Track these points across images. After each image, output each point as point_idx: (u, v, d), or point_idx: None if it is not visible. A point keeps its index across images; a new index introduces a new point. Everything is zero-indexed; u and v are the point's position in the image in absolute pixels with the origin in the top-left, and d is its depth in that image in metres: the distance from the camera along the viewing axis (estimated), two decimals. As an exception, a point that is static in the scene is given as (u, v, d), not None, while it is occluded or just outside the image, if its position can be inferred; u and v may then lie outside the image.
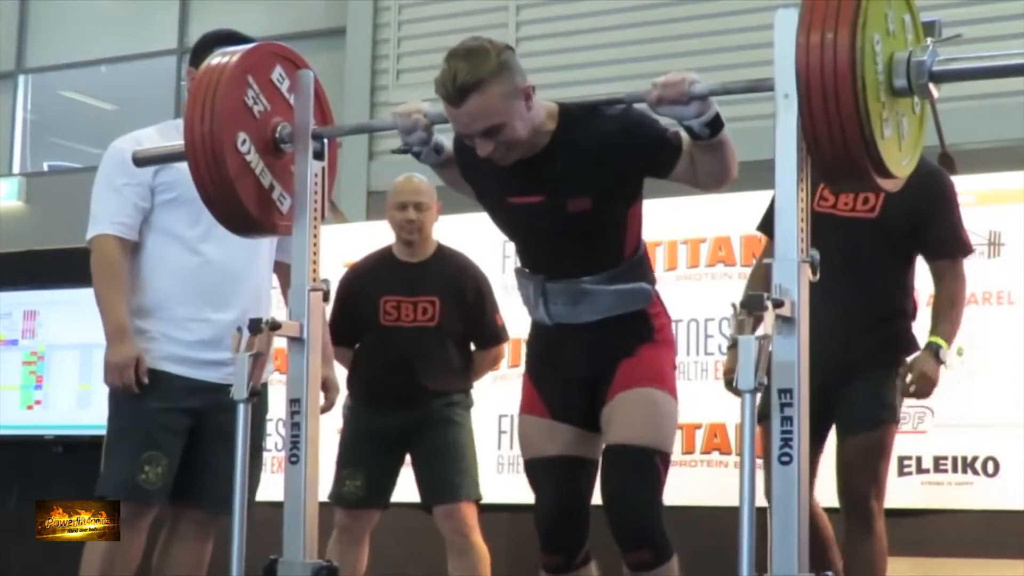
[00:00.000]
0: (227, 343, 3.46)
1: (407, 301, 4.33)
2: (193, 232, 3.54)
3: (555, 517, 2.90)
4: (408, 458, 4.42)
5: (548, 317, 2.90)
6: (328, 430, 5.25)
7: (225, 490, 3.47)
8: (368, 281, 4.39)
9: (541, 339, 3.00)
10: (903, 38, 2.53)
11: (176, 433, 3.50)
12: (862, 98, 2.35)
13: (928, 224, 3.57)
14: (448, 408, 4.32)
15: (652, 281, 2.94)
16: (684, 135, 2.74)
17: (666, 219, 4.99)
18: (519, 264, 3.00)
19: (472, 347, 4.47)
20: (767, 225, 3.78)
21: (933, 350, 3.60)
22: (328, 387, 3.72)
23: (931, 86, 2.48)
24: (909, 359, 3.63)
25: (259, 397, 3.32)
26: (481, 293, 4.43)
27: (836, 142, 2.39)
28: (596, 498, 2.91)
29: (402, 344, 4.30)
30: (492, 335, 4.47)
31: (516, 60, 2.72)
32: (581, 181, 2.77)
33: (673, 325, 3.87)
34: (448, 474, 4.25)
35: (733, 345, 3.68)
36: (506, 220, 2.94)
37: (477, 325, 4.41)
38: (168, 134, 3.57)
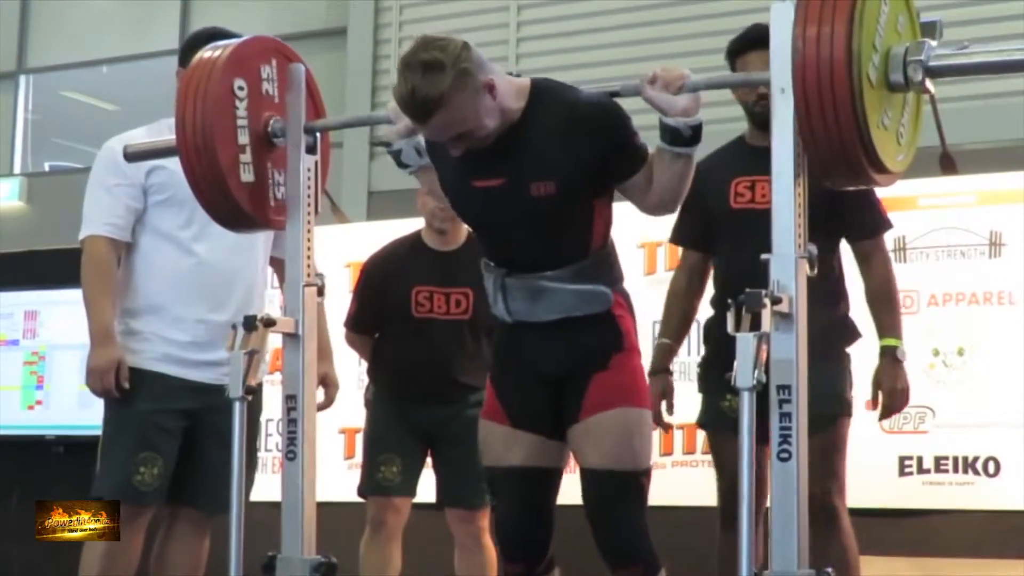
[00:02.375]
0: (222, 344, 3.47)
1: (439, 292, 4.21)
2: (187, 232, 3.53)
3: (515, 528, 2.86)
4: (430, 454, 4.30)
5: (508, 314, 2.83)
6: (328, 428, 5.26)
7: (220, 490, 3.46)
8: (398, 269, 4.25)
9: (503, 337, 2.92)
10: (899, 33, 2.52)
11: (171, 434, 3.49)
12: (858, 93, 2.35)
13: (846, 204, 3.39)
14: (480, 405, 4.17)
15: (617, 279, 2.85)
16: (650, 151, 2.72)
17: (667, 219, 4.99)
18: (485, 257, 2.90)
19: None
20: (680, 234, 3.71)
21: (891, 355, 3.48)
22: (327, 383, 3.71)
23: (928, 82, 2.48)
24: (851, 348, 3.53)
25: (254, 396, 3.32)
26: None
27: (832, 137, 2.38)
28: (573, 498, 2.88)
29: (436, 337, 4.19)
30: None
31: (474, 56, 2.61)
32: (545, 162, 2.69)
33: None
34: (474, 479, 3.98)
35: (655, 373, 3.59)
36: (468, 207, 2.86)
37: None
38: (159, 134, 3.55)
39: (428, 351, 4.18)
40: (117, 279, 3.53)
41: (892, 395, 3.47)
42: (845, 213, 3.46)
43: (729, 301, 2.45)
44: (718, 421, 3.57)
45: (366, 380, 4.52)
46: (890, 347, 3.49)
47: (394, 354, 4.27)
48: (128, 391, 3.45)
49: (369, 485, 4.23)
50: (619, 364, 2.80)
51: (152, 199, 3.55)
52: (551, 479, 2.88)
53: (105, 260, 3.50)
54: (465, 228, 4.19)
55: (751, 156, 3.39)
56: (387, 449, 4.20)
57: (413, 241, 4.34)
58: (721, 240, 3.45)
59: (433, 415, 4.19)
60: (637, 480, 2.78)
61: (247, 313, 3.49)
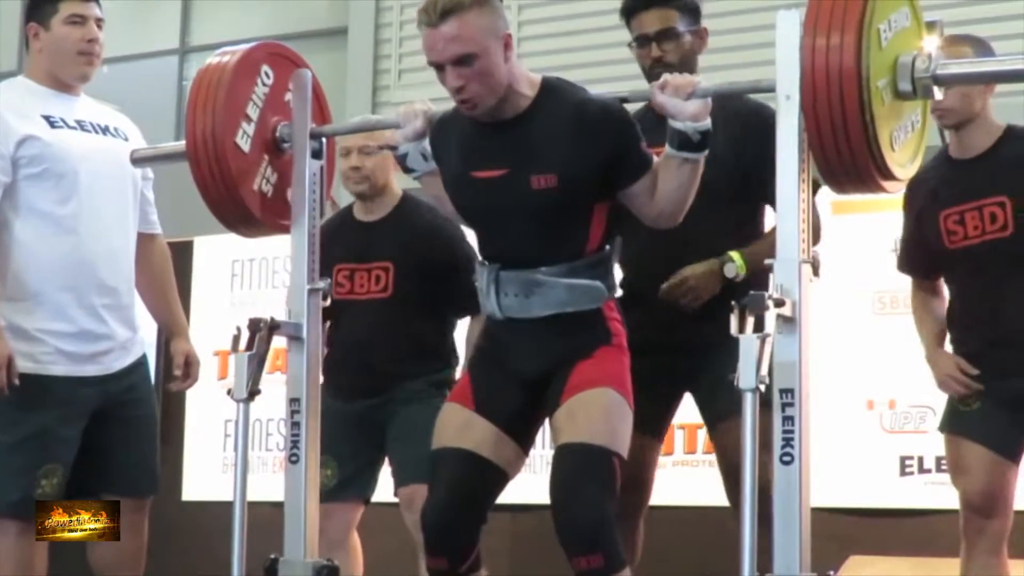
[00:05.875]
0: (107, 331, 3.33)
1: (361, 269, 3.78)
2: (65, 209, 3.26)
3: (444, 516, 2.74)
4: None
5: (499, 309, 2.79)
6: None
7: (147, 469, 3.43)
8: (322, 247, 3.58)
9: (490, 334, 2.88)
10: (907, 41, 2.53)
11: (73, 440, 3.28)
12: (867, 101, 2.37)
13: (768, 173, 2.75)
14: (419, 389, 3.75)
15: (611, 286, 2.82)
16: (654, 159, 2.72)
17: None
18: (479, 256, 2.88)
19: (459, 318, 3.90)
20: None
21: (720, 261, 3.06)
22: (189, 362, 3.47)
23: (936, 89, 2.49)
24: None
25: (139, 372, 3.38)
26: (453, 252, 3.72)
27: (840, 144, 2.40)
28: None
29: (355, 321, 3.75)
30: (476, 300, 3.04)
31: (501, 7, 2.70)
32: (549, 156, 2.70)
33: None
34: (419, 451, 3.25)
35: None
36: (467, 199, 2.84)
37: (452, 291, 3.71)
38: (14, 94, 3.35)
39: (349, 337, 3.77)
40: None
41: (681, 280, 3.06)
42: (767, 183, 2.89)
43: (733, 303, 2.45)
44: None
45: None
46: (728, 256, 3.07)
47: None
48: (25, 397, 3.18)
49: None
50: (605, 355, 2.77)
51: (23, 172, 3.24)
52: (495, 477, 2.79)
53: None
54: (394, 196, 3.88)
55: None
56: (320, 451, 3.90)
57: (343, 215, 3.94)
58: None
59: (369, 406, 3.78)
60: (608, 459, 2.67)
61: (128, 296, 3.37)
